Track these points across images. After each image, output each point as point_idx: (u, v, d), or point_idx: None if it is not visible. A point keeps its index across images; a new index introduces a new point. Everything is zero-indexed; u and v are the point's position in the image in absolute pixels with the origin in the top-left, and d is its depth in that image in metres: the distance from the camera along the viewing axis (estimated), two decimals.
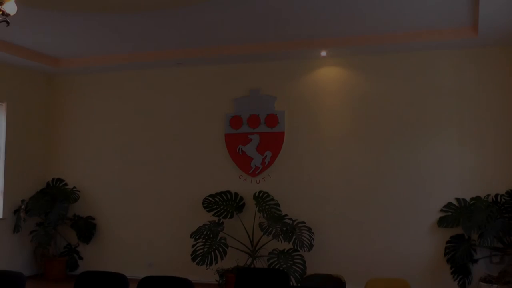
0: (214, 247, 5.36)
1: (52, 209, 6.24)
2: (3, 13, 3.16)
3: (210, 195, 5.86)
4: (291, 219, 5.53)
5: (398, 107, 5.61)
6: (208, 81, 6.16)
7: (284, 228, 5.22)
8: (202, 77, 6.16)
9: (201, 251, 5.38)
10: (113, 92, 6.54)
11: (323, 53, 5.61)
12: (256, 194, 5.73)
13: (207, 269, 5.53)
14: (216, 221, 5.64)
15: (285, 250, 5.36)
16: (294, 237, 5.25)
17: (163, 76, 6.30)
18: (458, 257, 5.19)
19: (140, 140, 6.37)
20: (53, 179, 6.60)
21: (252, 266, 5.51)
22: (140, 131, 6.39)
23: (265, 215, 5.52)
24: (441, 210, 5.40)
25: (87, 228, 6.31)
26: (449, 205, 5.41)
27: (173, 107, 6.29)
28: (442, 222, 5.37)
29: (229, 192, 5.85)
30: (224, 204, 5.75)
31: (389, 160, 5.60)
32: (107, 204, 6.43)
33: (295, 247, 5.29)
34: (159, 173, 6.27)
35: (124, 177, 6.39)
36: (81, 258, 6.43)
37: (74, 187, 6.47)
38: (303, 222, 5.49)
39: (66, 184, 6.55)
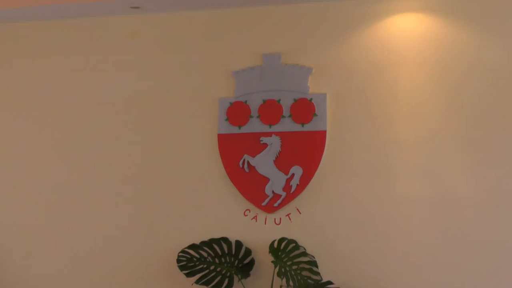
0: None
1: None
2: None
3: (192, 246, 4.48)
4: None
5: None
6: (187, 39, 4.88)
7: None
8: (176, 33, 4.90)
9: None
10: (25, 56, 5.17)
11: None
12: (275, 245, 4.37)
13: None
14: None
15: None
16: None
17: (108, 30, 4.99)
18: None
19: (71, 144, 4.98)
20: None
21: None
22: (71, 129, 5.00)
23: (290, 282, 4.25)
24: None
25: None
26: None
27: (127, 86, 4.92)
28: None
29: (225, 240, 4.49)
30: (216, 262, 4.43)
31: None
32: (13, 259, 5.02)
33: None
34: (104, 206, 4.89)
35: (45, 210, 4.98)
36: None
37: None
38: None
39: None
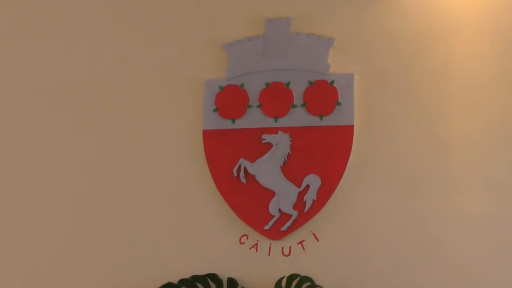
0: None
1: None
2: None
3: (168, 286, 3.83)
4: None
5: None
6: (162, 1, 4.25)
7: None
8: None
9: None
10: None
11: None
12: (283, 284, 3.76)
13: None
14: None
15: None
16: None
17: None
18: None
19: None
20: None
21: None
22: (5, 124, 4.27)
23: None
24: None
25: None
26: None
27: (79, 64, 4.22)
28: None
29: (213, 277, 3.85)
30: None
31: None
32: None
33: None
34: (43, 230, 4.15)
35: None
36: None
37: None
38: None
39: None
